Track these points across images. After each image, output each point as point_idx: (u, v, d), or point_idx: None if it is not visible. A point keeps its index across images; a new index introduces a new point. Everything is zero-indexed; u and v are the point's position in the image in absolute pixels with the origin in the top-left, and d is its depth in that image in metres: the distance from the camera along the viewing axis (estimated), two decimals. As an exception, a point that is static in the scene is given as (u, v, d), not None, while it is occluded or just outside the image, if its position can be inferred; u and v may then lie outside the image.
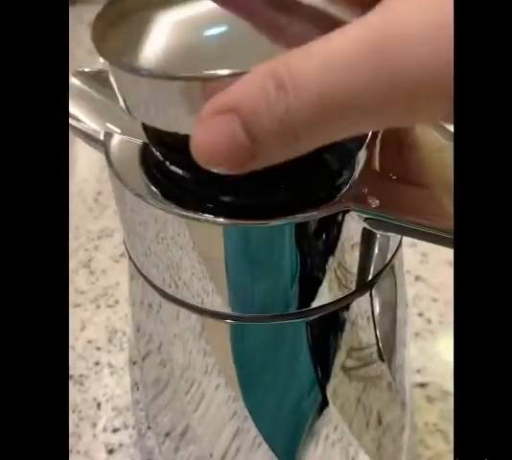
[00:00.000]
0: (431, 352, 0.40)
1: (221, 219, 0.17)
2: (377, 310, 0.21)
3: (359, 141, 0.18)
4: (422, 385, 0.38)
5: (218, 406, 0.23)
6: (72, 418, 0.38)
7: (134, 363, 0.28)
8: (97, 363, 0.40)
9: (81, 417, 0.37)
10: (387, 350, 0.23)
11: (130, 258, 0.21)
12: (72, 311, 0.43)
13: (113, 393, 0.38)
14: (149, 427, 0.28)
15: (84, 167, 0.53)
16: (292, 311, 0.20)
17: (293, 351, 0.21)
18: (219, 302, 0.20)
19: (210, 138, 0.13)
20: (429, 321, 0.42)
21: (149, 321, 0.23)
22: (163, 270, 0.20)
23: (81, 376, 0.39)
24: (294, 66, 0.12)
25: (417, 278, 0.44)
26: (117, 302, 0.43)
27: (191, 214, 0.18)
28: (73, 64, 0.69)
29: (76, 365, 0.40)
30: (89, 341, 0.41)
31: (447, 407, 0.37)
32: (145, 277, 0.21)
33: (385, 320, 0.22)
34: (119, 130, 0.20)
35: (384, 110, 0.13)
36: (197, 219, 0.18)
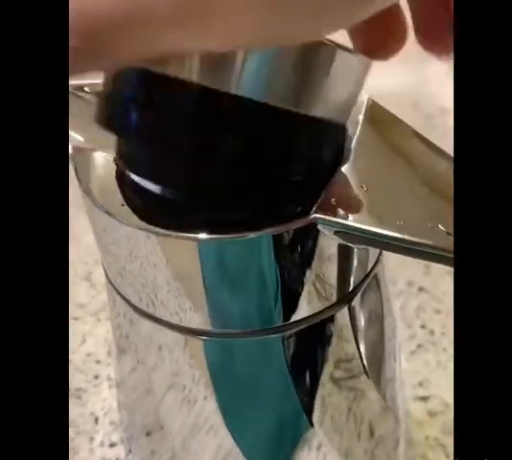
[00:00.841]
0: (434, 364, 0.39)
1: (194, 235, 0.17)
2: (360, 322, 0.21)
3: (332, 149, 0.18)
4: (423, 399, 0.37)
5: (200, 424, 0.23)
6: (69, 432, 0.37)
7: (117, 384, 0.28)
8: (96, 377, 0.40)
9: (79, 431, 0.37)
10: (374, 363, 0.23)
11: (107, 277, 0.21)
12: (71, 324, 0.42)
13: (111, 407, 0.38)
14: (130, 451, 0.28)
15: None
16: (272, 326, 0.19)
17: (275, 365, 0.21)
18: (197, 319, 0.19)
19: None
20: (431, 333, 0.41)
21: (128, 340, 0.23)
22: (139, 289, 0.19)
23: (78, 389, 0.39)
24: None
25: (420, 289, 0.44)
26: (117, 315, 0.43)
27: (162, 230, 0.17)
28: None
29: (74, 379, 0.40)
30: (88, 354, 0.41)
31: (449, 421, 0.36)
32: (122, 296, 0.21)
33: (371, 332, 0.22)
34: (87, 144, 0.20)
35: None
36: (169, 236, 0.17)
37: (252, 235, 0.17)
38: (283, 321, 0.19)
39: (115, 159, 0.19)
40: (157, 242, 0.18)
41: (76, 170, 0.19)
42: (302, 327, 0.20)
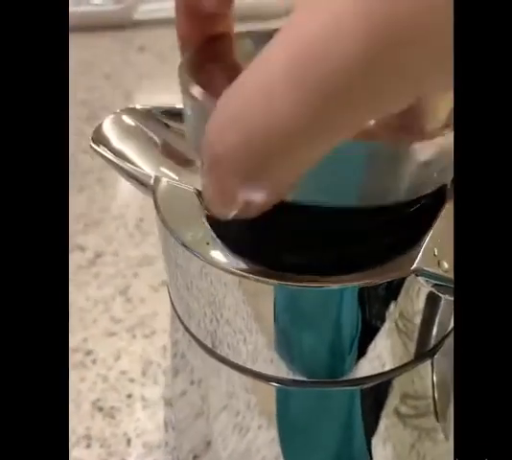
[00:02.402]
0: None
1: (274, 280, 0.16)
2: (436, 378, 0.19)
3: (430, 201, 0.16)
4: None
5: (251, 453, 0.21)
6: (99, 453, 0.36)
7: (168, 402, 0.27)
8: (129, 396, 0.39)
9: (110, 452, 0.36)
10: (445, 420, 0.21)
11: (174, 307, 0.20)
12: (108, 340, 0.41)
13: (145, 428, 0.37)
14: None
15: (126, 191, 0.52)
16: (344, 379, 0.18)
17: (343, 418, 0.19)
18: (266, 363, 0.18)
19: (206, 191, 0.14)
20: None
21: (184, 359, 0.21)
22: (207, 325, 0.18)
23: (112, 408, 0.38)
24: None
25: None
26: (154, 332, 0.42)
27: (241, 271, 0.16)
28: (122, 87, 0.69)
29: (107, 397, 0.38)
30: (123, 372, 0.40)
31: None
32: (187, 329, 0.19)
33: (444, 388, 0.20)
34: (171, 175, 0.19)
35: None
36: (247, 278, 0.16)
37: (340, 286, 0.15)
38: (356, 375, 0.18)
39: (198, 192, 0.18)
40: (235, 282, 0.16)
41: (155, 200, 0.18)
42: (375, 382, 0.18)
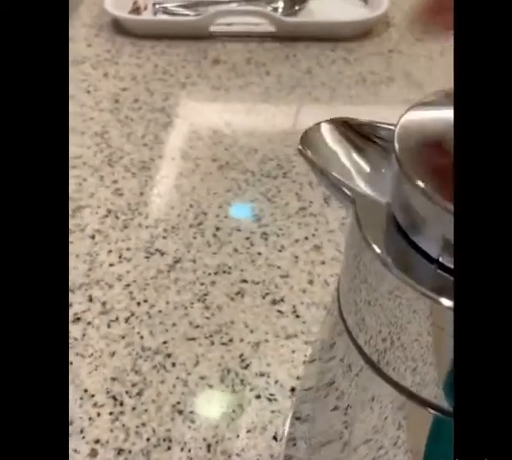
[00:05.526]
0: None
1: None
2: None
3: None
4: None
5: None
6: (180, 456, 0.37)
7: (298, 419, 0.27)
8: (209, 402, 0.39)
9: (190, 456, 0.36)
10: None
11: (341, 314, 0.21)
12: (186, 344, 0.42)
13: (224, 436, 0.37)
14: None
15: (205, 199, 0.53)
16: None
17: None
18: (428, 389, 0.18)
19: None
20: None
21: (343, 379, 0.22)
22: (378, 343, 0.19)
23: (191, 412, 0.39)
24: None
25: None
26: (231, 341, 0.42)
27: (437, 297, 0.16)
28: (197, 99, 0.70)
29: (187, 400, 0.39)
30: (202, 377, 0.40)
31: None
32: (354, 341, 0.20)
33: None
34: (368, 192, 0.20)
35: None
36: (440, 304, 0.16)
37: None
38: None
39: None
40: (424, 306, 0.17)
41: (356, 214, 0.19)
42: None
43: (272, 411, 0.39)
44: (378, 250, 0.18)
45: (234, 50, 0.71)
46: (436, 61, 0.70)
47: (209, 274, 0.47)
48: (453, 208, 0.15)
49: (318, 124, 0.23)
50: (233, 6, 0.75)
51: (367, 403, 0.21)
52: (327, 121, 0.22)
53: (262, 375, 0.40)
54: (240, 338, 0.43)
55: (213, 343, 0.42)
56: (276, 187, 0.54)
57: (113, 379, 0.40)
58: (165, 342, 0.42)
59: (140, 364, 0.41)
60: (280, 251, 0.49)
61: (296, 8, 0.75)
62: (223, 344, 0.42)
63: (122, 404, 0.39)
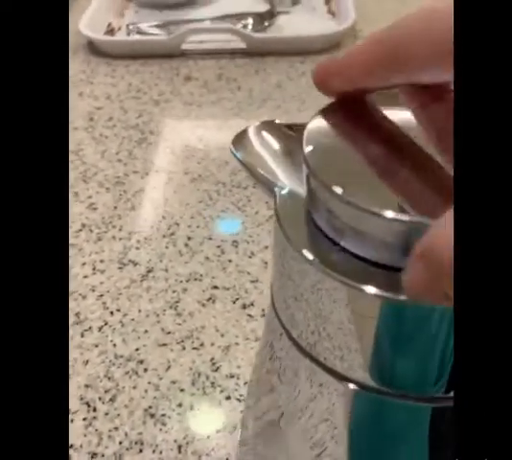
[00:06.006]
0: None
1: (384, 293, 0.17)
2: None
3: None
4: None
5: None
6: (151, 457, 0.38)
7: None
8: (180, 405, 0.40)
9: (161, 458, 0.37)
10: None
11: (276, 311, 0.22)
12: (158, 350, 0.43)
13: (195, 437, 0.38)
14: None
15: (177, 211, 0.54)
16: (428, 396, 0.19)
17: (416, 435, 0.21)
18: (355, 369, 0.19)
19: (411, 280, 0.15)
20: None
21: (284, 375, 0.23)
22: (305, 327, 0.20)
23: (163, 415, 0.40)
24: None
25: None
26: (202, 345, 0.44)
27: (352, 282, 0.17)
28: (170, 115, 0.71)
29: (159, 404, 0.40)
30: (173, 382, 0.41)
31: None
32: (290, 336, 0.21)
33: None
34: (289, 189, 0.21)
35: None
36: (359, 289, 0.17)
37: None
38: (441, 393, 0.19)
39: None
40: (343, 293, 0.18)
41: (276, 207, 0.20)
42: (446, 404, 0.19)
43: (242, 411, 0.40)
44: (296, 245, 0.18)
45: (206, 67, 0.73)
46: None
47: (181, 282, 0.48)
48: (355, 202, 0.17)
49: (250, 126, 0.24)
50: (205, 24, 0.77)
51: (308, 392, 0.22)
52: (258, 124, 0.24)
53: (232, 376, 0.42)
54: (211, 342, 0.44)
55: (184, 348, 0.44)
56: (247, 197, 0.56)
57: (86, 385, 0.41)
58: (137, 349, 0.43)
59: (113, 371, 0.42)
60: (250, 257, 0.50)
61: (265, 24, 0.78)
62: (195, 349, 0.43)
63: (95, 410, 0.40)
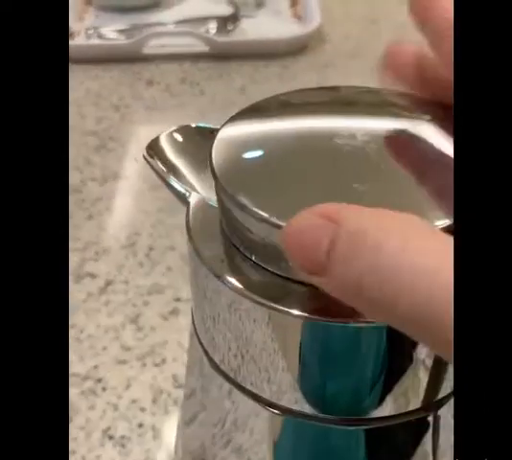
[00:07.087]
0: None
1: (303, 314, 0.16)
2: (442, 430, 0.19)
3: None
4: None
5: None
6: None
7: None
8: (140, 425, 0.38)
9: (121, 482, 0.35)
10: None
11: (198, 337, 0.20)
12: (117, 368, 0.41)
13: (155, 458, 0.36)
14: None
15: (138, 220, 0.52)
16: (352, 417, 0.18)
17: (343, 457, 0.19)
18: (278, 393, 0.18)
19: (300, 235, 0.14)
20: None
21: (208, 400, 0.21)
22: (225, 352, 0.18)
23: (122, 437, 0.37)
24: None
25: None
26: (164, 361, 0.41)
27: (270, 303, 0.16)
28: (131, 121, 0.69)
29: (118, 425, 0.38)
30: (133, 401, 0.39)
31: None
32: (208, 356, 0.19)
33: (447, 443, 0.20)
34: (203, 198, 0.19)
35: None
36: (277, 310, 0.16)
37: (361, 324, 0.15)
38: (365, 414, 0.18)
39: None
40: (262, 314, 0.16)
41: (187, 219, 0.18)
42: (379, 425, 0.18)
43: (206, 431, 0.38)
44: (208, 261, 0.17)
45: (168, 70, 0.71)
46: (370, 76, 0.71)
47: (142, 295, 0.46)
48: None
49: (163, 132, 0.23)
50: (167, 28, 0.75)
51: (234, 421, 0.20)
52: (174, 129, 0.22)
53: (195, 394, 0.40)
54: (173, 358, 0.42)
55: (145, 365, 0.41)
56: (210, 204, 0.54)
57: (41, 407, 0.39)
58: (95, 367, 0.41)
59: (68, 391, 0.40)
60: (214, 268, 0.48)
61: (229, 27, 0.76)
62: (156, 365, 0.41)
63: (49, 433, 0.38)
